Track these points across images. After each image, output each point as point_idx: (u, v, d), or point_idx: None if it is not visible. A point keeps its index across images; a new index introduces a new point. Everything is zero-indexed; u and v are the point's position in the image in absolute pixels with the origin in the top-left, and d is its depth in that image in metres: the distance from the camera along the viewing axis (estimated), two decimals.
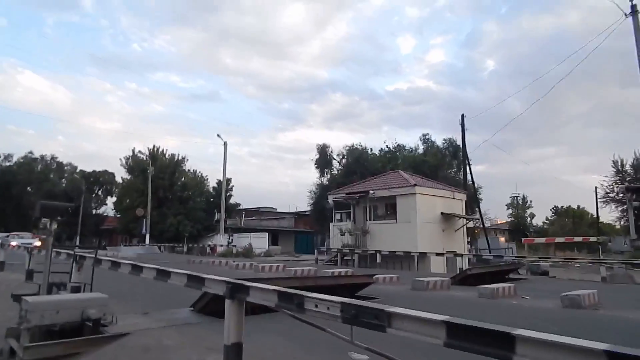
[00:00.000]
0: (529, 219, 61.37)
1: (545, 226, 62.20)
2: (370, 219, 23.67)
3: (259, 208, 59.64)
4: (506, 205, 63.12)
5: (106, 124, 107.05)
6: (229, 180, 46.84)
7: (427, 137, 51.92)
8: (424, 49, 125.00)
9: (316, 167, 50.46)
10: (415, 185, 21.82)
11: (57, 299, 5.54)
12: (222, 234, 35.26)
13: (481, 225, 34.29)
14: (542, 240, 30.19)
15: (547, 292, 10.28)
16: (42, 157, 59.14)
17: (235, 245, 31.20)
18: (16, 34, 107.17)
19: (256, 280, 5.03)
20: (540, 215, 66.73)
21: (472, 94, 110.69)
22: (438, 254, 19.56)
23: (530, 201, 62.71)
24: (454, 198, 24.28)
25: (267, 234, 44.29)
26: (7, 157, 56.85)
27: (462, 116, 33.09)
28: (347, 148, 50.69)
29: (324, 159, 50.65)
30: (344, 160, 51.06)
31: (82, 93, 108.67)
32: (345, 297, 3.68)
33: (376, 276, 10.05)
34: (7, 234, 30.85)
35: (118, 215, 52.39)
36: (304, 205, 53.66)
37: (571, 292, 8.08)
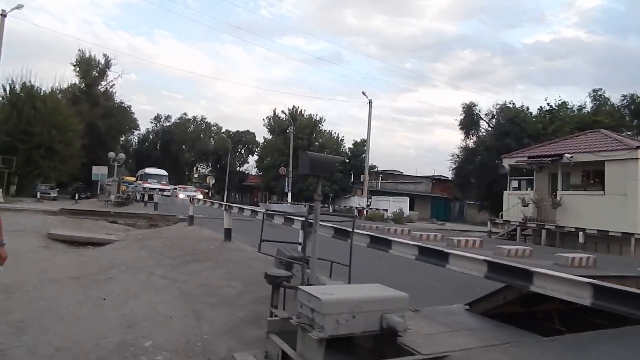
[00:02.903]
0: None
1: None
2: (560, 188, 19.51)
3: (386, 171, 57.87)
4: None
5: (239, 88, 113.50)
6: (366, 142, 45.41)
7: (598, 93, 43.78)
8: None
9: (460, 128, 46.19)
10: (638, 148, 16.92)
11: (352, 297, 3.77)
12: (365, 196, 34.06)
13: None
14: None
15: None
16: (194, 118, 64.46)
17: (386, 210, 29.52)
18: (165, 8, 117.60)
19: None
20: None
21: (637, 43, 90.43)
22: None
23: None
24: None
25: (407, 198, 42.07)
26: (167, 117, 63.18)
27: None
28: (498, 107, 45.02)
29: (470, 119, 45.93)
30: (493, 121, 45.68)
31: (219, 60, 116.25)
32: None
33: None
34: (175, 186, 33.45)
35: (259, 173, 54.84)
36: (442, 169, 50.03)
37: None
